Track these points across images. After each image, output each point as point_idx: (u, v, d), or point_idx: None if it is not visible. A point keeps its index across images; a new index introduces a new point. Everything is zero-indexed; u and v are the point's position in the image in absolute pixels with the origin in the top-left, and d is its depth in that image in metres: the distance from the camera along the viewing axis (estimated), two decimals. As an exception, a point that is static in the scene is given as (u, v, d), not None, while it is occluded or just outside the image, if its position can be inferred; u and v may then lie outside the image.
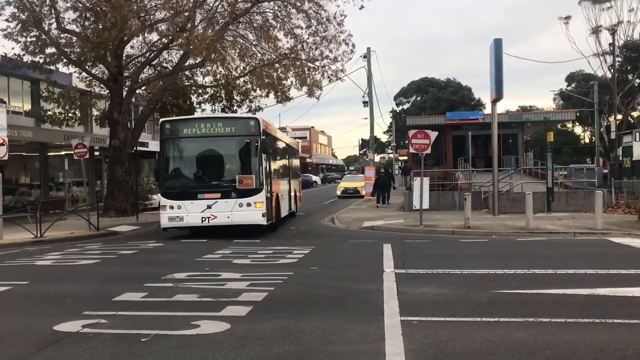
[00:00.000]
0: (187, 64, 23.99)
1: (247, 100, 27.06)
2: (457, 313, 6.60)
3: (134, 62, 25.50)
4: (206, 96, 27.46)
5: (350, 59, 24.64)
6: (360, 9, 22.36)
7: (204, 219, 15.18)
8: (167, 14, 21.65)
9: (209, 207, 15.12)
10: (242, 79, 25.45)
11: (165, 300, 7.68)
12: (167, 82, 23.96)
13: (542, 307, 6.85)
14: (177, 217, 15.29)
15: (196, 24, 22.56)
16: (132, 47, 25.17)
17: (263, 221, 15.54)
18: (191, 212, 15.17)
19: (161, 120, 14.80)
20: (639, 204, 18.43)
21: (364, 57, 35.95)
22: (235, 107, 27.51)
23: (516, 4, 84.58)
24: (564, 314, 6.42)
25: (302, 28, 23.24)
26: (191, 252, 12.74)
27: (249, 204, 15.20)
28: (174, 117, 17.03)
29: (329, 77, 24.24)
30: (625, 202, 21.25)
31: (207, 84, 26.63)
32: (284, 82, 24.65)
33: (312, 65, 23.77)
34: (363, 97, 37.00)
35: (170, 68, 24.85)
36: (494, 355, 5.13)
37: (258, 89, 25.33)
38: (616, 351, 5.16)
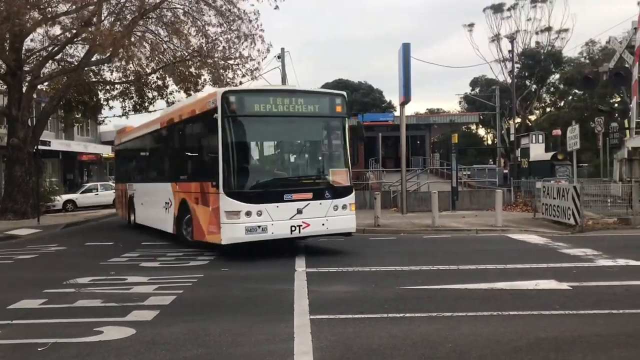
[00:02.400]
0: (93, 59, 22.98)
1: (159, 97, 26.36)
2: (365, 310, 6.76)
3: (35, 56, 24.13)
4: (115, 92, 26.47)
5: (265, 57, 24.50)
6: (275, 8, 22.36)
7: (293, 229, 11.13)
8: (71, 7, 20.64)
9: (299, 211, 11.13)
10: (154, 76, 24.76)
11: (66, 307, 7.33)
12: (72, 77, 22.85)
13: (445, 302, 7.14)
14: (259, 226, 10.87)
15: (103, 18, 21.68)
16: (32, 40, 23.82)
17: (354, 228, 12.25)
18: (276, 220, 10.96)
19: (223, 90, 11.10)
20: (534, 202, 19.62)
21: (278, 57, 35.94)
22: (146, 104, 26.70)
23: (426, 10, 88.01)
24: (464, 308, 6.72)
25: (214, 25, 22.94)
26: (96, 256, 12.23)
27: (344, 206, 11.68)
28: (240, 88, 12.41)
29: (243, 74, 24.07)
30: (522, 201, 22.58)
31: (116, 80, 25.67)
32: (198, 79, 24.23)
33: (225, 63, 23.50)
34: (277, 97, 36.93)
35: (76, 63, 23.72)
36: (399, 349, 5.30)
37: (173, 85, 24.74)
38: (511, 341, 5.47)
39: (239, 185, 11.02)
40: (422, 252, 11.80)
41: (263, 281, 8.98)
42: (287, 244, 12.32)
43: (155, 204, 15.29)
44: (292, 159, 12.32)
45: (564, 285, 7.88)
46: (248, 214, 10.80)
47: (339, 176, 11.86)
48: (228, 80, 23.85)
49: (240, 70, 23.79)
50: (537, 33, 49.00)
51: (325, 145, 12.28)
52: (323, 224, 11.39)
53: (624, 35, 21.89)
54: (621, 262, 9.67)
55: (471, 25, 51.12)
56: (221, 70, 23.50)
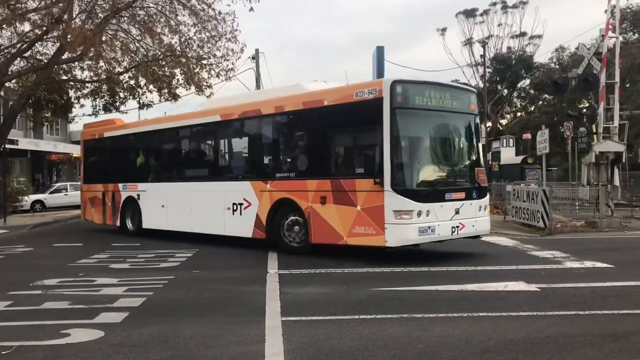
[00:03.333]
0: (64, 57, 22.59)
1: (131, 97, 26.04)
2: (337, 311, 6.76)
3: (3, 53, 23.61)
4: (86, 91, 26.06)
5: (240, 57, 24.33)
6: (249, 10, 22.26)
7: (453, 230, 10.54)
8: (40, 3, 20.27)
9: (457, 211, 10.54)
10: (126, 75, 24.43)
11: (33, 309, 7.18)
12: (42, 75, 22.43)
13: (416, 303, 7.19)
14: (429, 227, 10.17)
15: (74, 16, 21.32)
16: (0, 37, 23.30)
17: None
18: (441, 220, 10.31)
19: (391, 79, 10.22)
20: (505, 205, 19.91)
21: (253, 58, 35.83)
22: (118, 104, 26.35)
23: (402, 14, 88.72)
24: (435, 310, 6.77)
25: (188, 25, 22.74)
26: (64, 257, 12.01)
27: (485, 207, 11.35)
28: (405, 78, 11.11)
29: (217, 74, 23.91)
30: (493, 203, 22.87)
31: (87, 79, 25.26)
32: (172, 79, 23.99)
33: (199, 63, 23.32)
34: (252, 98, 36.80)
35: (46, 61, 23.28)
36: (370, 351, 5.31)
37: (145, 85, 24.43)
38: (480, 342, 5.52)
39: (409, 182, 10.29)
40: (395, 254, 11.83)
41: (235, 283, 8.93)
42: (262, 246, 12.27)
43: (204, 205, 13.72)
44: (448, 156, 11.26)
45: (533, 287, 8.00)
46: (419, 213, 10.04)
47: (482, 176, 11.44)
48: (202, 80, 23.69)
49: (214, 70, 23.65)
50: (512, 37, 49.80)
51: (467, 142, 11.55)
52: (473, 225, 10.88)
53: (592, 42, 22.36)
54: (588, 264, 9.86)
55: (444, 29, 51.74)
56: (196, 70, 23.32)
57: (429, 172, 10.71)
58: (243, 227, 12.62)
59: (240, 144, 13.80)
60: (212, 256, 12.13)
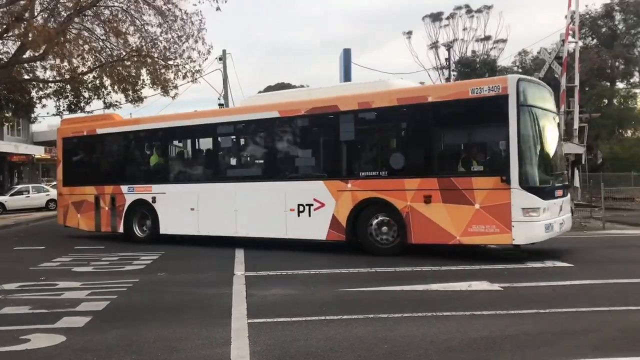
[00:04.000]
0: (25, 56, 22.06)
1: (96, 97, 25.59)
2: (303, 313, 6.78)
3: (-40, 51, 22.97)
4: (49, 91, 25.50)
5: (207, 58, 24.25)
6: (216, 10, 22.12)
7: (560, 226, 10.83)
8: (2, 1, 19.76)
9: (561, 208, 10.94)
10: (90, 75, 24.00)
11: (-9, 314, 7.01)
12: (2, 75, 21.85)
13: (382, 304, 7.27)
14: (551, 224, 10.31)
15: (35, 14, 20.85)
16: (-42, 34, 22.63)
17: None
18: (553, 217, 10.48)
19: (517, 77, 10.36)
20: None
21: (220, 59, 35.62)
22: (82, 104, 25.86)
23: (369, 17, 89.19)
24: (401, 309, 6.85)
25: (155, 25, 22.48)
26: (26, 261, 11.75)
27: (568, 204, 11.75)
28: (526, 77, 11.33)
29: (184, 75, 23.68)
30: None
31: (49, 79, 24.72)
32: (137, 80, 23.66)
33: (165, 63, 23.07)
34: (219, 99, 36.61)
35: (6, 60, 22.70)
36: (336, 352, 5.34)
37: (111, 85, 24.02)
38: (444, 342, 5.61)
39: (534, 180, 10.20)
40: (359, 255, 11.90)
41: (201, 285, 8.87)
42: (229, 252, 12.21)
43: (256, 207, 12.79)
44: (553, 154, 11.29)
45: (496, 286, 8.15)
46: (544, 210, 10.09)
47: (564, 174, 11.93)
48: (168, 81, 23.45)
49: (181, 71, 23.43)
50: (477, 41, 50.59)
51: (559, 141, 11.99)
52: (561, 223, 10.91)
53: (553, 47, 22.91)
54: (549, 263, 10.09)
55: (410, 33, 52.27)
56: (162, 70, 23.07)
57: (546, 170, 10.79)
58: (313, 229, 12.12)
59: (308, 142, 12.86)
60: (178, 259, 12.00)
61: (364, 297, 7.69)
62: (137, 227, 14.93)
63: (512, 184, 9.96)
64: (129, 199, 14.98)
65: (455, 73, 48.16)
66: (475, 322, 6.34)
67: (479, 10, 50.33)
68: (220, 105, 36.25)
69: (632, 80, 40.75)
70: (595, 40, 38.95)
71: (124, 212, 14.99)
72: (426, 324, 6.25)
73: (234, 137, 13.95)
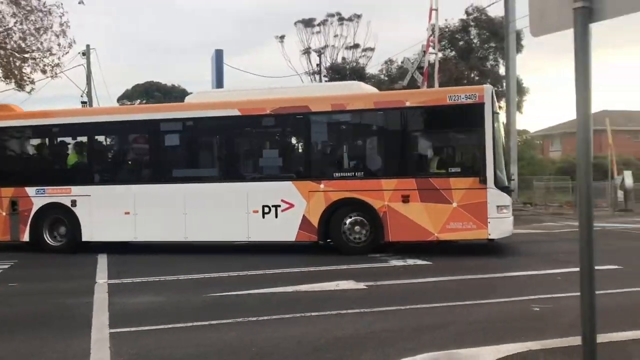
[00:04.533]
0: None
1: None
2: (170, 320, 6.60)
3: None
4: None
5: (67, 52, 22.66)
6: (79, 3, 20.92)
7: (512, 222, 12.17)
8: None
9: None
10: None
11: None
12: None
13: (251, 307, 7.27)
14: (513, 220, 11.90)
15: None
16: None
17: None
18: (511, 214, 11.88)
19: (491, 87, 11.20)
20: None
21: (83, 54, 33.61)
22: None
23: (243, 18, 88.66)
24: (270, 312, 6.89)
25: (9, 15, 20.74)
26: None
27: None
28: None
29: (42, 70, 22.08)
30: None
31: None
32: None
33: (20, 56, 21.37)
34: (81, 96, 34.50)
35: None
36: (204, 358, 5.27)
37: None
38: (312, 342, 5.74)
39: (503, 180, 11.26)
40: (231, 258, 11.82)
41: (59, 295, 8.31)
42: (91, 259, 11.55)
43: (210, 210, 12.08)
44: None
45: (361, 285, 8.48)
46: (510, 207, 11.21)
47: None
48: (24, 74, 21.76)
49: (39, 64, 21.84)
50: (347, 49, 52.19)
51: None
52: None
53: (415, 57, 24.32)
54: (410, 261, 10.67)
55: (282, 37, 52.79)
56: (18, 63, 21.34)
57: (506, 171, 12.03)
58: (280, 231, 11.84)
59: (274, 142, 12.76)
60: (33, 267, 11.17)
61: (232, 301, 7.64)
62: (47, 235, 13.03)
63: (488, 184, 10.85)
64: (38, 202, 13.02)
65: (326, 79, 49.37)
66: (341, 321, 6.54)
67: (349, 19, 52.01)
68: (84, 103, 34.19)
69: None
70: (454, 53, 41.79)
71: (30, 217, 12.98)
72: (295, 325, 6.35)
73: (183, 135, 12.93)
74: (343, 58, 52.47)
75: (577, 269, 3.30)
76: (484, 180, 10.86)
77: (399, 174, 11.47)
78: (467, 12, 39.44)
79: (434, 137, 11.85)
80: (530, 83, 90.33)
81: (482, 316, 6.66)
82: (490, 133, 10.96)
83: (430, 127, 11.79)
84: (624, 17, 3.14)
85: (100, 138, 13.96)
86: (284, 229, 11.84)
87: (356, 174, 11.79)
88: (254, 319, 6.59)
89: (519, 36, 37.30)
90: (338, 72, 49.36)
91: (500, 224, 11.05)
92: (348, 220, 11.62)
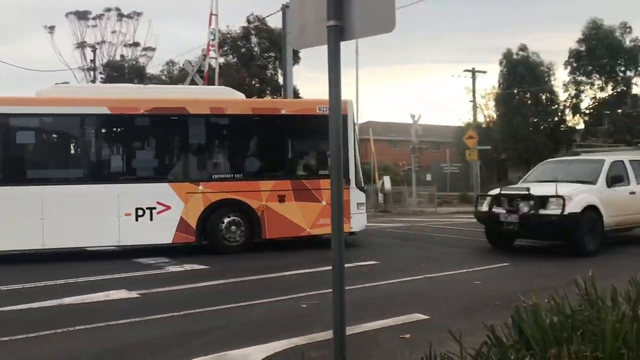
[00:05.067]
0: None
1: None
2: None
3: None
4: None
5: None
6: None
7: None
8: None
9: None
10: None
11: None
12: None
13: (5, 325, 6.51)
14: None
15: None
16: None
17: None
18: None
19: (351, 100, 13.18)
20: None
21: None
22: None
23: (10, 4, 78.70)
24: (29, 329, 6.23)
25: None
26: None
27: None
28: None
29: None
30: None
31: None
32: None
33: None
34: None
35: None
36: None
37: None
38: (73, 357, 5.35)
39: (361, 181, 13.24)
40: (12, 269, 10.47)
41: None
42: None
43: (76, 214, 11.15)
44: None
45: (134, 294, 8.13)
46: (364, 205, 13.14)
47: None
48: None
49: None
50: (126, 46, 49.72)
51: None
52: None
53: (196, 60, 24.22)
54: (187, 267, 10.56)
55: (52, 27, 48.49)
56: None
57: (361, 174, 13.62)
58: (156, 233, 11.63)
59: (148, 143, 12.46)
60: None
61: (-18, 321, 6.76)
62: None
63: (351, 185, 12.51)
64: None
65: (103, 76, 46.56)
66: (109, 332, 6.21)
67: (129, 16, 49.74)
68: None
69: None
70: (235, 59, 42.48)
71: None
72: (56, 342, 5.85)
73: (39, 133, 11.92)
74: (122, 56, 50.03)
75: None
76: (347, 182, 12.29)
77: (276, 176, 12.49)
78: (248, 21, 40.49)
79: (305, 143, 13.13)
80: (307, 93, 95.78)
81: (254, 316, 6.86)
82: (352, 141, 12.64)
83: (303, 134, 12.95)
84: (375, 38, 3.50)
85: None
86: (160, 231, 11.71)
87: (235, 175, 12.32)
88: (6, 339, 5.91)
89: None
90: (116, 70, 46.94)
91: (359, 219, 12.83)
92: (226, 220, 12.04)
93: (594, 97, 40.51)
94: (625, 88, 39.08)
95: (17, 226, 11.07)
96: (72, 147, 12.64)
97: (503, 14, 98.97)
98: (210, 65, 19.87)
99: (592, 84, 40.16)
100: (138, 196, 11.62)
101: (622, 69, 39.07)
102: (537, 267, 10.14)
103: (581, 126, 41.85)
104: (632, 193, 12.28)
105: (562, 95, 41.61)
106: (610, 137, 36.13)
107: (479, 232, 13.64)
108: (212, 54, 19.08)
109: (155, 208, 11.71)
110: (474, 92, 41.69)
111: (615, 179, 11.99)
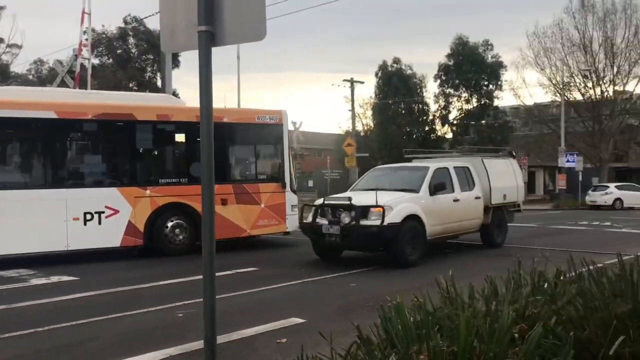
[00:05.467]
0: None
1: None
2: None
3: None
4: None
5: None
6: None
7: None
8: None
9: None
10: None
11: None
12: None
13: None
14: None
15: None
16: None
17: None
18: None
19: (285, 110, 14.23)
20: None
21: None
22: None
23: None
24: None
25: None
26: None
27: None
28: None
29: None
30: None
31: None
32: None
33: None
34: None
35: None
36: None
37: None
38: None
39: (294, 185, 14.32)
40: None
41: None
42: None
43: (16, 219, 10.94)
44: None
45: (-8, 310, 7.51)
46: (296, 207, 13.68)
47: None
48: None
49: None
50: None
51: None
52: None
53: (67, 60, 22.89)
54: (54, 278, 9.92)
55: None
56: None
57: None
58: (104, 237, 11.81)
59: (96, 148, 12.59)
60: None
61: None
62: None
63: (286, 189, 13.74)
64: None
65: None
66: (-40, 354, 5.68)
67: (-12, 8, 45.83)
68: None
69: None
70: (111, 60, 40.65)
71: None
72: None
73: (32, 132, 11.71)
74: (-19, 52, 45.98)
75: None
76: (284, 185, 13.72)
77: (219, 181, 12.09)
78: (125, 21, 38.98)
79: (245, 149, 14.04)
80: (187, 97, 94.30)
81: (127, 328, 6.61)
82: (287, 148, 13.98)
83: (243, 141, 13.87)
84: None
85: None
86: (108, 235, 11.86)
87: (180, 180, 12.71)
88: None
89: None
90: (-26, 67, 43.09)
91: (293, 220, 13.65)
92: (170, 224, 12.51)
93: (461, 109, 43.51)
94: (487, 101, 42.34)
95: None
96: (14, 152, 12.10)
97: (378, 28, 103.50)
98: (82, 66, 18.85)
99: (459, 97, 43.13)
100: (86, 201, 11.68)
101: (485, 82, 42.30)
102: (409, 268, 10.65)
103: (450, 135, 44.74)
104: (456, 200, 12.12)
105: (433, 106, 44.33)
106: (475, 146, 38.92)
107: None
108: (84, 54, 18.12)
109: (103, 212, 11.84)
110: (352, 101, 43.20)
111: (439, 186, 11.68)
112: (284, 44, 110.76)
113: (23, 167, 11.92)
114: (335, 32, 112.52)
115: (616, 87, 40.31)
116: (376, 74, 44.44)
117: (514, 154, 15.39)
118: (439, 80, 43.41)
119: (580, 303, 4.06)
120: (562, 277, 4.72)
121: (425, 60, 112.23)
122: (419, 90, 43.97)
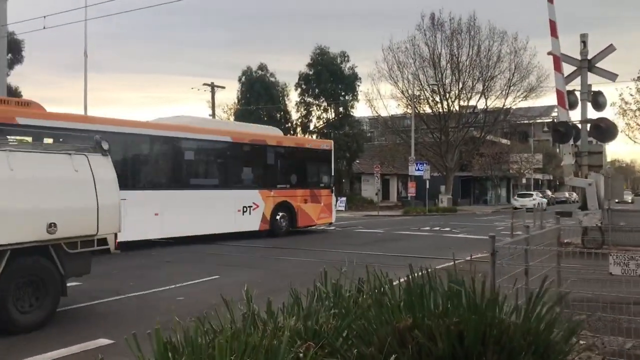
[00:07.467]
0: None
1: None
2: None
3: None
4: None
5: None
6: None
7: None
8: None
9: None
10: None
11: None
12: None
13: None
14: None
15: None
16: None
17: None
18: None
19: (332, 141, 23.83)
20: None
21: None
22: None
23: None
24: None
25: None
26: None
27: None
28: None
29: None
30: None
31: None
32: None
33: None
34: None
35: None
36: None
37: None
38: None
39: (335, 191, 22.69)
40: None
41: None
42: None
43: (213, 209, 17.00)
44: None
45: None
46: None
47: None
48: None
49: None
50: None
51: None
52: None
53: None
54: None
55: None
56: None
57: None
58: (251, 223, 18.31)
59: (246, 161, 18.96)
60: None
61: None
62: None
63: (333, 193, 21.39)
64: None
65: None
66: None
67: None
68: None
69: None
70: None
71: None
72: None
73: (195, 152, 17.66)
74: None
75: None
76: (332, 191, 21.36)
77: (302, 187, 20.09)
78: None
79: (315, 165, 20.90)
80: (34, 95, 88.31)
81: None
82: (333, 166, 21.75)
83: (313, 160, 20.85)
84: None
85: (128, 148, 15.56)
86: (253, 222, 18.48)
87: (286, 186, 19.50)
88: None
89: (17, 45, 35.36)
90: None
91: (334, 215, 21.76)
92: (279, 215, 19.33)
93: (320, 118, 44.43)
94: (344, 110, 43.63)
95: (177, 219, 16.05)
96: (206, 164, 18.30)
97: (248, 34, 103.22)
98: None
99: (319, 106, 44.00)
100: (245, 198, 18.10)
101: (343, 93, 43.57)
102: (246, 278, 10.42)
103: (311, 143, 45.35)
104: None
105: (295, 115, 44.81)
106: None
107: (209, 245, 13.63)
108: None
109: (252, 206, 18.26)
110: (213, 106, 42.47)
111: None
112: (149, 47, 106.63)
113: (210, 175, 18.19)
114: (207, 35, 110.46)
115: (461, 102, 43.43)
116: (239, 79, 44.08)
117: (106, 147, 8.03)
118: (299, 89, 43.97)
119: (372, 316, 4.08)
120: (362, 289, 4.78)
121: (293, 68, 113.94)
122: (281, 98, 44.25)
